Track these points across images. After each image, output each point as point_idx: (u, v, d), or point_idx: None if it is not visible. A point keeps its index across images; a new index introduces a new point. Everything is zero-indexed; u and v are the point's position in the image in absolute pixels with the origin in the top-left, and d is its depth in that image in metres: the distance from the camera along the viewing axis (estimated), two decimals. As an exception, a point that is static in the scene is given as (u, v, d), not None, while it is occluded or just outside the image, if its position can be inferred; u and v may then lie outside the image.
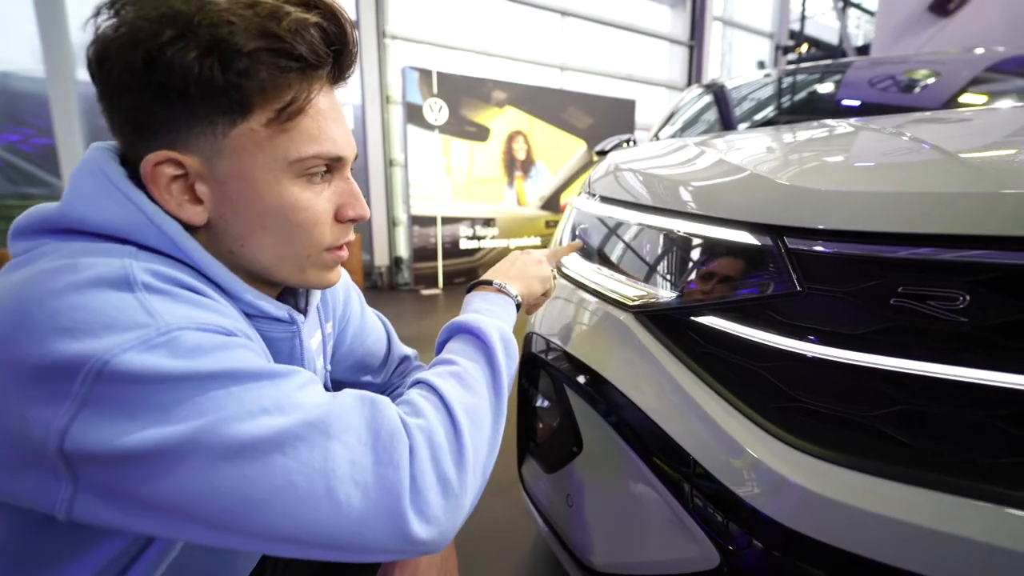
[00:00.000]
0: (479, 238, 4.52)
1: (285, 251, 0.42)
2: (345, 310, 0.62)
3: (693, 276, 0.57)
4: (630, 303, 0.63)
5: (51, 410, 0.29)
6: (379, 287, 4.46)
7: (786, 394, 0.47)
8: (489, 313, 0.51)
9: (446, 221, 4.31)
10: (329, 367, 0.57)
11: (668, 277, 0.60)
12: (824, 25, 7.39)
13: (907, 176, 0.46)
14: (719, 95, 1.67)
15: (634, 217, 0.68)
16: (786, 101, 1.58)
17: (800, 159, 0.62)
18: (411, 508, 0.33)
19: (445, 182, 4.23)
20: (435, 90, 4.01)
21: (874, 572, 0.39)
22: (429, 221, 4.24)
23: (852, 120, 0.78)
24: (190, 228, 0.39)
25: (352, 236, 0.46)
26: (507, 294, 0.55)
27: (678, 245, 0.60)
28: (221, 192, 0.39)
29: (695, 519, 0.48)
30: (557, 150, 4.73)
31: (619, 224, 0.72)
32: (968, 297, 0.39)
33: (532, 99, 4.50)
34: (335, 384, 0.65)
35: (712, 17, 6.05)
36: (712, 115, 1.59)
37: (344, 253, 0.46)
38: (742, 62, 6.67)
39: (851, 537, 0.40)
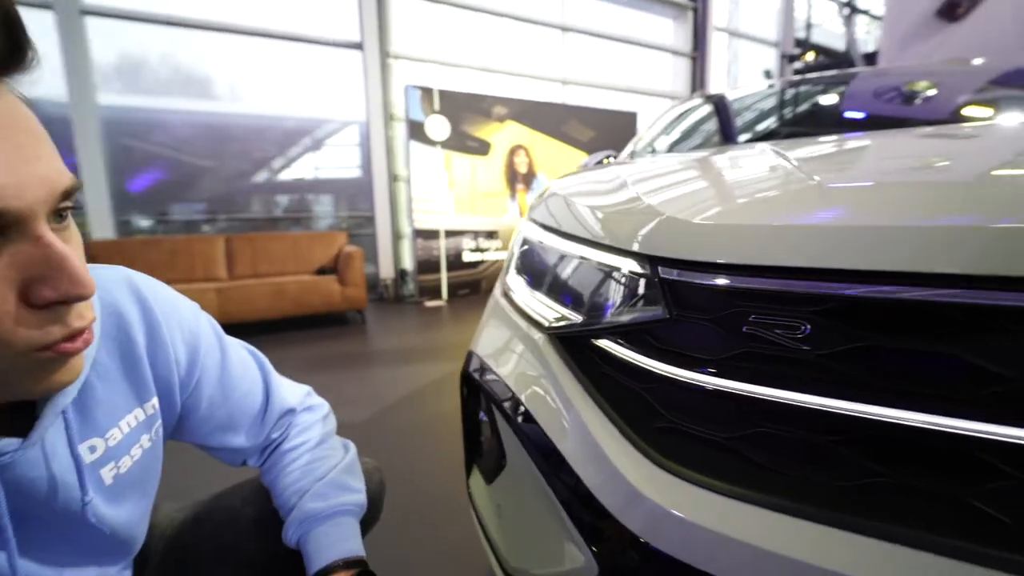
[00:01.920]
0: (482, 250, 4.58)
1: None
2: (191, 372, 0.51)
3: (594, 301, 0.60)
4: (546, 324, 0.66)
5: None
6: (385, 299, 4.55)
7: (663, 416, 0.50)
8: None
9: (450, 234, 4.39)
10: (99, 488, 0.42)
11: (576, 301, 0.64)
12: (831, 32, 7.34)
13: (764, 209, 0.49)
14: (692, 111, 1.70)
15: (556, 243, 0.72)
16: (757, 119, 1.60)
17: (689, 190, 0.65)
18: None
19: (448, 196, 4.32)
20: (437, 107, 4.11)
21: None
22: (432, 234, 4.32)
23: (770, 145, 0.81)
24: None
25: (84, 320, 0.31)
26: None
27: (584, 271, 0.63)
28: None
29: (579, 532, 0.51)
30: (559, 163, 4.79)
31: (546, 249, 0.76)
32: (809, 326, 0.42)
33: (533, 113, 4.58)
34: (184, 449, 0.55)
35: (715, 28, 6.06)
36: (678, 133, 1.62)
37: (72, 346, 0.31)
38: (748, 72, 6.66)
39: (705, 557, 0.42)
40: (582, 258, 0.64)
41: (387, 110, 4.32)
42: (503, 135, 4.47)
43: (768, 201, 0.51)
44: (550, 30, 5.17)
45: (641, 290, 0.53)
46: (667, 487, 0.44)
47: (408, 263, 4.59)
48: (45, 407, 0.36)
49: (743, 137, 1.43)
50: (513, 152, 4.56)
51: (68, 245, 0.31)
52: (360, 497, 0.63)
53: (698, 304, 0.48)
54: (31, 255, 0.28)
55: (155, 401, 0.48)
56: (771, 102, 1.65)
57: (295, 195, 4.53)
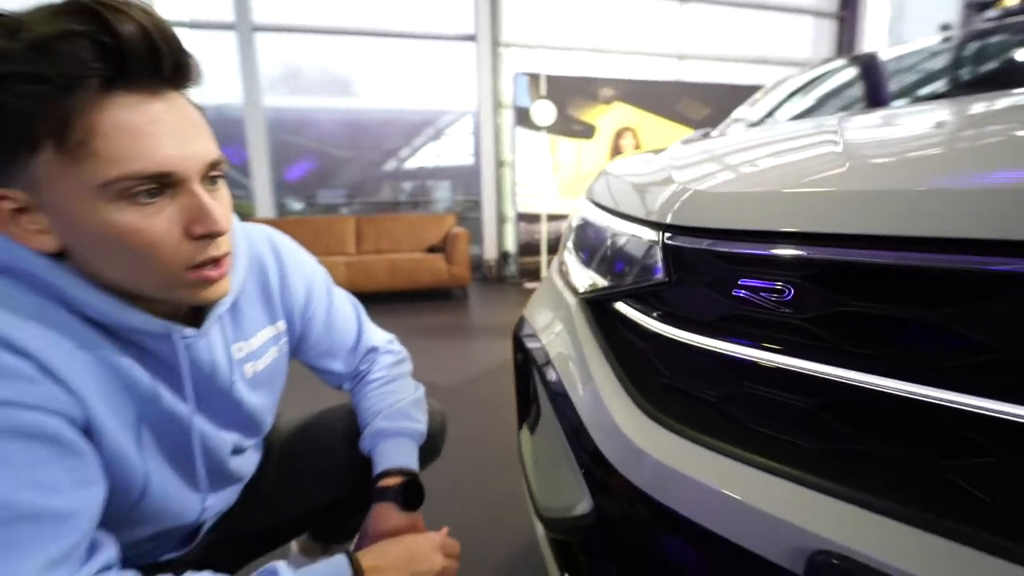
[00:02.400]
0: (583, 235, 4.58)
1: (136, 274, 0.43)
2: (307, 310, 0.69)
3: (617, 267, 0.64)
4: (579, 291, 0.72)
5: None
6: (488, 278, 4.81)
7: (663, 374, 0.53)
8: None
9: (551, 218, 4.46)
10: (242, 377, 0.59)
11: (605, 268, 0.68)
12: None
13: (763, 176, 0.48)
14: (825, 77, 1.53)
15: (599, 217, 0.77)
16: (918, 82, 1.34)
17: (713, 161, 0.64)
18: None
19: (552, 180, 4.39)
20: (543, 92, 4.18)
21: (699, 535, 0.42)
22: (534, 218, 4.44)
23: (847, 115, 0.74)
24: (61, 256, 0.41)
25: (221, 250, 0.46)
26: None
27: (614, 241, 0.67)
28: (56, 222, 0.40)
29: (585, 479, 0.57)
30: (668, 144, 4.55)
31: (592, 223, 0.81)
32: (792, 290, 0.43)
33: (642, 93, 4.41)
34: (295, 369, 0.72)
35: (873, -21, 5.16)
36: (798, 104, 1.48)
37: (209, 273, 0.45)
38: (917, 30, 5.55)
39: (687, 504, 0.44)
40: (613, 228, 0.68)
41: (496, 98, 4.51)
42: (609, 117, 4.39)
43: (771, 168, 0.51)
44: (666, 2, 4.89)
45: (651, 256, 0.56)
46: (664, 443, 0.46)
47: (511, 245, 4.78)
48: (209, 313, 0.53)
49: (898, 103, 1.24)
50: (619, 135, 4.45)
51: (217, 202, 0.46)
52: (420, 427, 0.77)
53: (694, 268, 0.50)
54: (188, 204, 0.43)
55: (281, 324, 0.66)
56: (941, 60, 1.35)
57: (416, 181, 4.98)
